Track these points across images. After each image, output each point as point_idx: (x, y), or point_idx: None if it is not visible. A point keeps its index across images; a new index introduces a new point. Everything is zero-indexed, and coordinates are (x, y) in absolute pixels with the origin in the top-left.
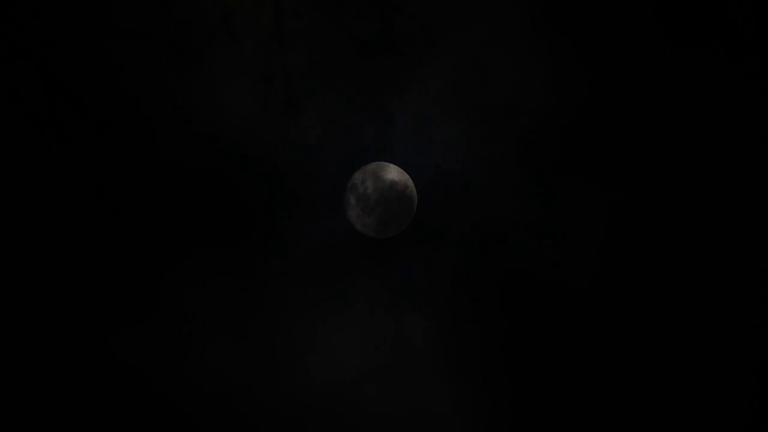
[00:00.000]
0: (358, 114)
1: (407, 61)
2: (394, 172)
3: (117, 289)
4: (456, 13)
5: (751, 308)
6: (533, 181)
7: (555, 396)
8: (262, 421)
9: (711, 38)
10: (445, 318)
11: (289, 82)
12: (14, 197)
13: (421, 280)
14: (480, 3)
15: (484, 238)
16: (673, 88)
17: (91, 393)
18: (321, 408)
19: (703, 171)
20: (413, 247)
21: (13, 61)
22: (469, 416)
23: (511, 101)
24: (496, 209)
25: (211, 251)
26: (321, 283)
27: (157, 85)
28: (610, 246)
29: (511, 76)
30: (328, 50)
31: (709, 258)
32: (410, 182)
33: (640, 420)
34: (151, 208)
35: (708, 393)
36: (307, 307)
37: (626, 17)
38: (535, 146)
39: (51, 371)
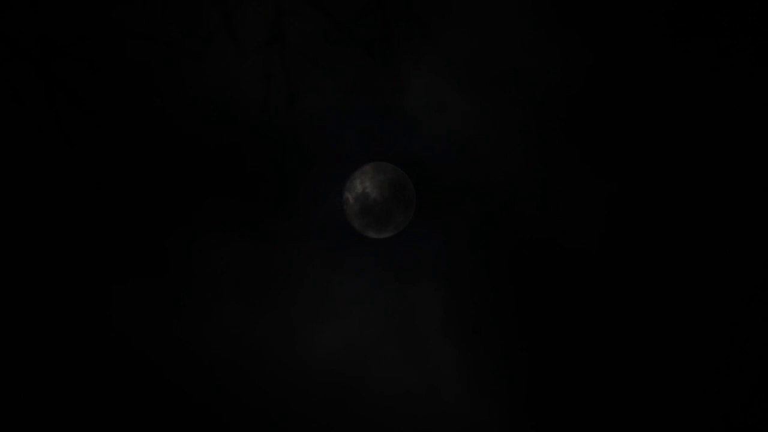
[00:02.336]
0: (372, 82)
1: (422, 31)
2: (392, 172)
3: (125, 250)
4: None
5: (756, 268)
6: (543, 148)
7: (570, 362)
8: (268, 387)
9: (717, 22)
10: (458, 287)
11: (290, 79)
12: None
13: (433, 248)
14: None
15: (495, 204)
16: (678, 57)
17: (93, 359)
18: (331, 377)
19: (708, 134)
20: (425, 216)
21: (13, 61)
22: (485, 386)
23: (523, 70)
24: (507, 175)
25: (223, 213)
26: (332, 248)
27: (167, 63)
28: (618, 210)
29: (524, 46)
30: (328, 49)
31: (714, 221)
32: (409, 182)
33: (654, 384)
34: (162, 172)
35: (717, 343)
36: (318, 271)
37: None
38: (546, 114)
39: (55, 338)
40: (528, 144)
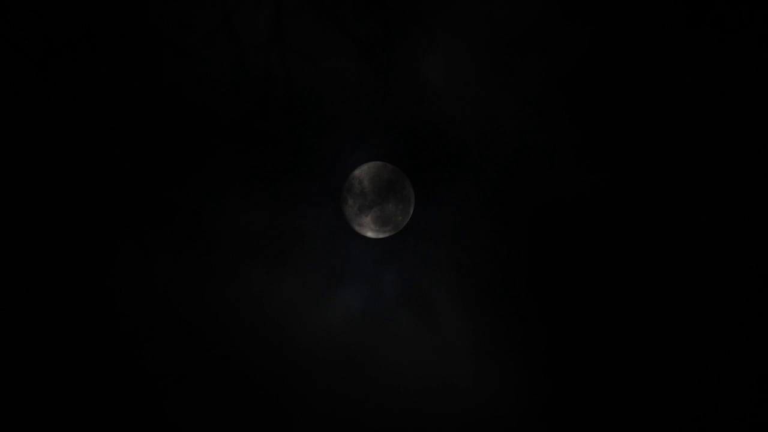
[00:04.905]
0: (390, 49)
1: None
2: (391, 172)
3: (140, 208)
4: None
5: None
6: (557, 112)
7: (588, 323)
8: (283, 347)
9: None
10: (476, 251)
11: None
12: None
13: (450, 211)
14: None
15: (513, 166)
16: (681, 35)
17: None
18: (345, 343)
19: (711, 94)
20: (442, 180)
21: (13, 61)
22: (504, 349)
23: (531, 40)
24: (514, 141)
25: (239, 172)
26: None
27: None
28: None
29: (541, 12)
30: (328, 50)
31: (720, 181)
32: (407, 182)
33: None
34: (178, 134)
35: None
36: (333, 234)
37: None
38: (549, 82)
39: (64, 306)
40: (533, 111)
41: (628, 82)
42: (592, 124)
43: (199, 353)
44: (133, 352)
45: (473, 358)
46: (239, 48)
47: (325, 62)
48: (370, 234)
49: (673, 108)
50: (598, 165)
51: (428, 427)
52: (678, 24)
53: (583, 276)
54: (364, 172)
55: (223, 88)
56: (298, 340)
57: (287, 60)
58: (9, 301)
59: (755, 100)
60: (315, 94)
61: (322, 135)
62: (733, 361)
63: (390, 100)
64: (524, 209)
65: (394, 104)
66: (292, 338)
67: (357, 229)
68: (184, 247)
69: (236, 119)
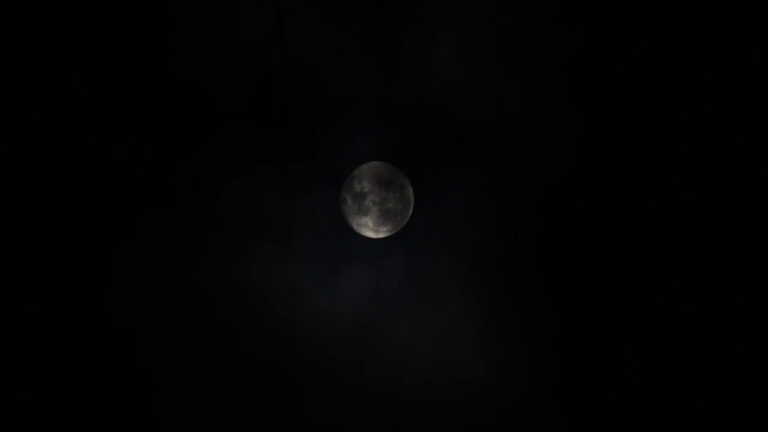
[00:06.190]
0: (390, 42)
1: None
2: (391, 172)
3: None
4: None
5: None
6: (561, 93)
7: (596, 307)
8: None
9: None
10: (481, 237)
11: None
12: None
13: (454, 198)
14: None
15: (517, 150)
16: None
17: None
18: (353, 328)
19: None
20: (446, 167)
21: (13, 61)
22: (512, 335)
23: (532, 24)
24: (525, 122)
25: (246, 152)
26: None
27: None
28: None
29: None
30: (328, 50)
31: (718, 165)
32: (407, 181)
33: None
34: (184, 115)
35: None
36: (336, 222)
37: None
38: (563, 60)
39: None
40: (536, 94)
41: (632, 64)
42: (597, 105)
43: (199, 343)
44: (131, 344)
45: (481, 344)
46: (239, 46)
47: (325, 59)
48: (370, 234)
49: (677, 89)
50: (604, 148)
51: (435, 415)
52: (682, 7)
53: (590, 259)
54: (363, 171)
55: (222, 83)
56: (301, 328)
57: (287, 58)
58: (8, 298)
59: (758, 93)
60: (316, 90)
61: (325, 123)
62: (744, 346)
63: (391, 91)
64: (529, 193)
65: (395, 96)
66: (294, 326)
67: (357, 228)
68: (185, 233)
69: (236, 108)
